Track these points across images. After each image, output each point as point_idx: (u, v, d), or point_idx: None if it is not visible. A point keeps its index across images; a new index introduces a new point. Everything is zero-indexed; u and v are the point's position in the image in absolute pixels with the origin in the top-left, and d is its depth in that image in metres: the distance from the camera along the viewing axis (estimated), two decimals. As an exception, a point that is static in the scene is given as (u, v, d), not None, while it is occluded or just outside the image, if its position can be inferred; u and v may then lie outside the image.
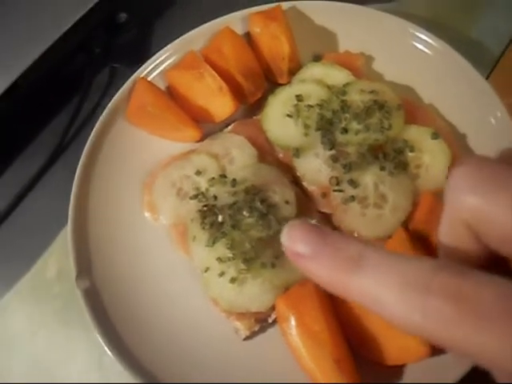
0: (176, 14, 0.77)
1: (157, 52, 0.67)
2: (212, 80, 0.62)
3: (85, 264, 0.60)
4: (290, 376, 0.54)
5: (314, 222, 0.58)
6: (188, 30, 0.68)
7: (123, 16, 0.74)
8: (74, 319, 0.63)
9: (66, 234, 0.62)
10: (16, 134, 0.72)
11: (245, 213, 0.56)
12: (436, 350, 0.51)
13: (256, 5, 0.68)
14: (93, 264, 0.60)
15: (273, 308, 0.55)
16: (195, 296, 0.59)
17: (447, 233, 0.37)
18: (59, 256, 0.66)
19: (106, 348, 0.56)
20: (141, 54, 0.74)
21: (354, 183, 0.57)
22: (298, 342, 0.52)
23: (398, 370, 0.53)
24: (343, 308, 0.54)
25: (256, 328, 0.56)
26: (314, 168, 0.60)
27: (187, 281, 0.60)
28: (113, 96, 0.66)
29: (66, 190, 0.62)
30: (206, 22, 0.68)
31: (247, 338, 0.57)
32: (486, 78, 0.67)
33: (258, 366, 0.56)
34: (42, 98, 0.72)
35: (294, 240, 0.36)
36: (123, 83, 0.66)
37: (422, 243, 0.55)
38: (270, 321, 0.57)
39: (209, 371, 0.56)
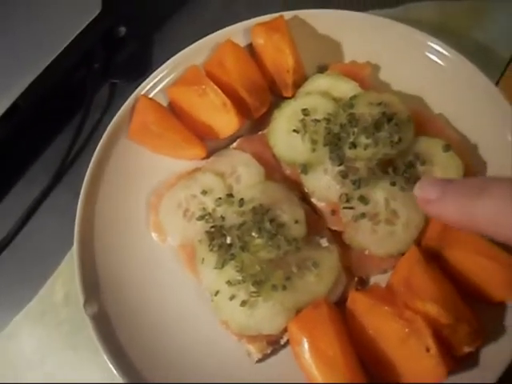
0: (176, 27, 0.75)
1: (157, 67, 0.66)
2: (215, 96, 0.60)
3: (92, 289, 0.59)
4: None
5: (324, 240, 0.56)
6: (189, 43, 0.66)
7: (122, 30, 0.72)
8: (83, 343, 0.62)
9: (72, 256, 0.61)
10: (18, 156, 0.71)
11: (254, 234, 0.55)
12: (453, 371, 0.50)
13: (257, 15, 0.66)
14: (100, 288, 0.59)
15: (285, 330, 0.54)
16: (205, 318, 0.58)
17: None
18: (66, 279, 0.65)
19: (116, 373, 0.55)
20: (141, 68, 0.72)
21: (364, 200, 0.56)
22: (312, 365, 0.51)
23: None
24: (358, 329, 0.53)
25: (268, 350, 0.55)
26: (323, 184, 0.58)
27: (196, 303, 0.59)
28: (114, 113, 0.64)
29: (70, 211, 0.62)
30: (207, 35, 0.66)
31: (260, 361, 0.56)
32: (496, 83, 0.65)
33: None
34: (42, 118, 0.71)
35: (424, 189, 0.43)
36: (124, 99, 0.65)
37: (436, 260, 0.54)
38: (282, 343, 0.56)
39: (222, 395, 0.55)
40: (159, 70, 0.65)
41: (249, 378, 0.56)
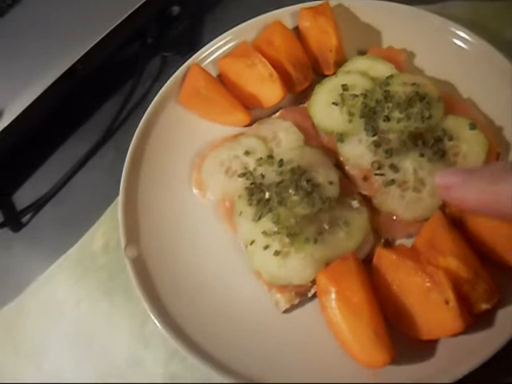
0: (226, 10, 0.82)
1: (208, 42, 0.72)
2: (263, 67, 0.66)
3: (134, 234, 0.63)
4: (325, 349, 0.57)
5: (355, 202, 0.60)
6: (237, 24, 0.72)
7: (176, 9, 0.78)
8: (117, 290, 0.66)
9: (115, 209, 0.66)
10: (72, 114, 0.76)
11: (291, 191, 0.59)
12: (470, 326, 0.53)
13: (302, 1, 0.72)
14: (141, 235, 0.63)
15: (313, 282, 0.58)
16: (238, 269, 0.62)
17: None
18: (106, 229, 0.70)
19: (150, 314, 0.58)
20: (191, 45, 0.78)
21: (394, 168, 0.60)
22: (337, 314, 0.54)
23: (432, 344, 0.55)
24: (382, 284, 0.56)
25: (296, 301, 0.59)
26: (357, 153, 0.63)
27: (231, 255, 0.63)
28: (163, 82, 0.70)
29: (116, 168, 0.66)
30: (253, 17, 0.72)
31: (286, 311, 0.59)
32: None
33: (294, 337, 0.58)
34: (97, 83, 0.76)
35: (446, 176, 0.45)
36: (174, 71, 0.70)
37: (458, 226, 0.58)
38: (309, 295, 0.59)
39: (249, 341, 0.58)
40: (211, 43, 0.71)
41: (275, 327, 0.59)
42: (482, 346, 0.54)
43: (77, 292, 0.67)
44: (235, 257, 0.62)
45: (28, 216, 0.72)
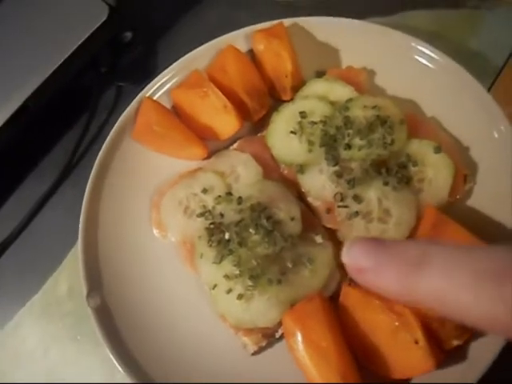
0: (180, 32, 0.78)
1: (162, 70, 0.69)
2: (216, 98, 0.63)
3: (95, 282, 0.61)
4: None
5: (319, 237, 0.58)
6: (193, 48, 0.69)
7: (128, 35, 0.75)
8: (86, 335, 0.64)
9: (76, 251, 0.63)
10: (26, 154, 0.74)
11: (251, 230, 0.57)
12: (442, 363, 0.51)
13: (258, 22, 0.69)
14: (103, 282, 0.61)
15: (280, 323, 0.56)
16: (204, 312, 0.60)
17: None
18: (70, 273, 0.68)
19: (117, 365, 0.57)
20: (146, 72, 0.75)
21: (358, 199, 0.58)
22: (305, 356, 0.53)
23: (404, 382, 0.54)
24: (350, 323, 0.55)
25: (263, 343, 0.57)
26: (319, 184, 0.60)
27: (196, 297, 0.61)
28: (120, 114, 0.67)
29: (75, 209, 0.64)
30: (210, 40, 0.69)
31: (255, 353, 0.58)
32: (489, 89, 0.67)
33: (266, 380, 0.57)
34: (50, 119, 0.73)
35: (355, 256, 0.37)
36: (130, 101, 0.67)
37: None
38: (277, 336, 0.57)
39: (220, 385, 0.57)
40: (163, 73, 0.68)
41: (244, 370, 0.57)
42: (456, 381, 0.52)
43: (45, 340, 0.65)
44: (201, 299, 0.60)
45: (-10, 262, 0.70)
